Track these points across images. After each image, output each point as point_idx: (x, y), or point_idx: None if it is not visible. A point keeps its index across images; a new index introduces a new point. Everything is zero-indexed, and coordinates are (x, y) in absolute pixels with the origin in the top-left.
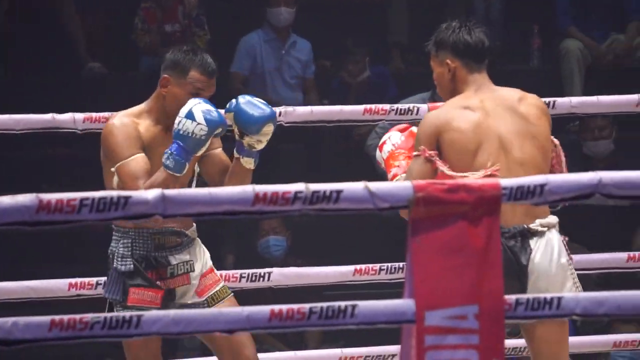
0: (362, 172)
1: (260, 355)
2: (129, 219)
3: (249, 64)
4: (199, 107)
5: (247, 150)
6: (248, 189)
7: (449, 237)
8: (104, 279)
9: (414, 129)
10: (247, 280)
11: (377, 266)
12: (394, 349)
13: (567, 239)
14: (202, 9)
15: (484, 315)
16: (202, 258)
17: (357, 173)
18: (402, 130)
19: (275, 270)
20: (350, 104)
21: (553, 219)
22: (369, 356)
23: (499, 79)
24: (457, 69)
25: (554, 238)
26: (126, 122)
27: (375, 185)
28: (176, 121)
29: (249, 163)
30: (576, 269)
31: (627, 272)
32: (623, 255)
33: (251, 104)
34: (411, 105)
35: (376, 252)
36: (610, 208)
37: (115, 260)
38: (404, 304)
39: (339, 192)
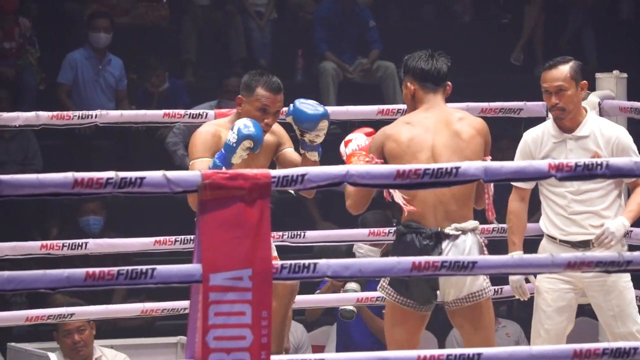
0: (162, 163)
1: (74, 308)
2: None
3: (72, 76)
4: (240, 121)
5: (310, 146)
6: (69, 176)
7: (230, 215)
8: None
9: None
10: (68, 249)
11: (172, 238)
12: (186, 303)
13: (486, 242)
14: (35, 30)
15: (256, 277)
16: None
17: (158, 164)
18: (367, 135)
19: (91, 241)
20: (153, 109)
21: (470, 224)
22: (165, 309)
23: None
24: (416, 91)
25: (467, 241)
26: (208, 129)
27: (172, 174)
28: None
29: (313, 156)
30: None
31: None
32: None
33: (306, 105)
34: (201, 111)
35: (173, 227)
36: None
37: None
38: (193, 267)
39: (142, 178)
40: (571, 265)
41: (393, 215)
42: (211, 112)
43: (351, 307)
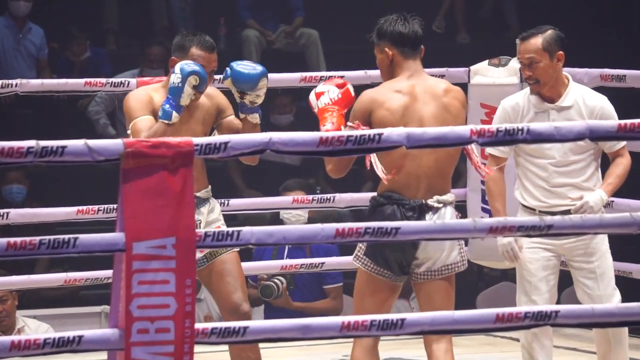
0: (85, 132)
1: None
2: None
3: None
4: (180, 63)
5: (250, 108)
6: None
7: (153, 183)
8: None
9: (350, 87)
10: None
11: (95, 207)
12: (109, 272)
13: (460, 215)
14: None
15: (179, 245)
16: (206, 218)
17: (81, 133)
18: (339, 86)
19: (13, 211)
20: (75, 78)
21: (449, 197)
22: (88, 278)
23: None
24: (395, 56)
25: (447, 213)
26: (139, 92)
27: (93, 142)
28: None
29: (254, 118)
30: None
31: None
32: None
33: (243, 66)
34: (123, 79)
35: (96, 196)
36: None
37: None
38: (116, 236)
39: (63, 147)
40: (493, 230)
41: (317, 182)
42: (133, 81)
43: (271, 283)
